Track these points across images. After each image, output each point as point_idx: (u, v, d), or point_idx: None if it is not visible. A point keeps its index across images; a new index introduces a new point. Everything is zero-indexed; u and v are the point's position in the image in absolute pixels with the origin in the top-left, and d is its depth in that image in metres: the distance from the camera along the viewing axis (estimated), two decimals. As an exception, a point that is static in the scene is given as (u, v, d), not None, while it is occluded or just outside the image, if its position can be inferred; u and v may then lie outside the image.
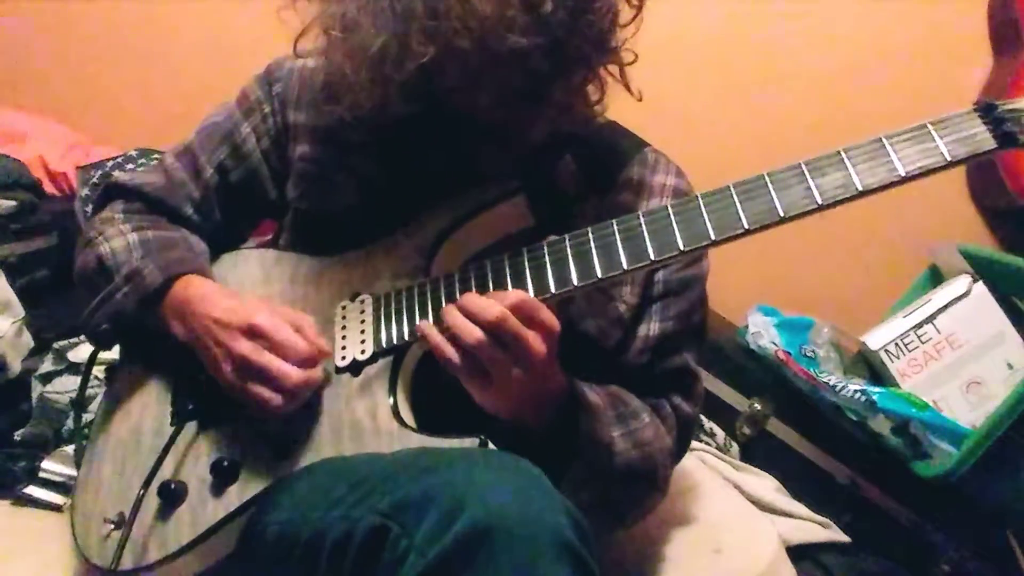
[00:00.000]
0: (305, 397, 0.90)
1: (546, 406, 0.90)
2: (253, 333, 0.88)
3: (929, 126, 0.78)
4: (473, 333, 0.81)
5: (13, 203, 1.62)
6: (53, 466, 1.14)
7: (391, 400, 0.89)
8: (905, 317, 1.67)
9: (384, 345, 0.91)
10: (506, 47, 0.78)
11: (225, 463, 0.91)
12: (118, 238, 1.02)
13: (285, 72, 1.09)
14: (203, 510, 0.90)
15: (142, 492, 0.91)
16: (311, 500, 0.82)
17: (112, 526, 0.93)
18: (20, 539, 1.05)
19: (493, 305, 0.81)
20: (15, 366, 1.43)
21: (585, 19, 0.82)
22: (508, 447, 0.83)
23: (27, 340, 1.48)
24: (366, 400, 0.90)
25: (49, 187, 1.80)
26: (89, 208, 1.62)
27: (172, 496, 0.91)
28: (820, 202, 0.79)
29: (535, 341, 0.82)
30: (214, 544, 0.90)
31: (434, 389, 0.89)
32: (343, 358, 0.93)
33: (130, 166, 1.74)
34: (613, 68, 0.92)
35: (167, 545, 0.90)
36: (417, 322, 0.89)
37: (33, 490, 1.13)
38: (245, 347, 0.88)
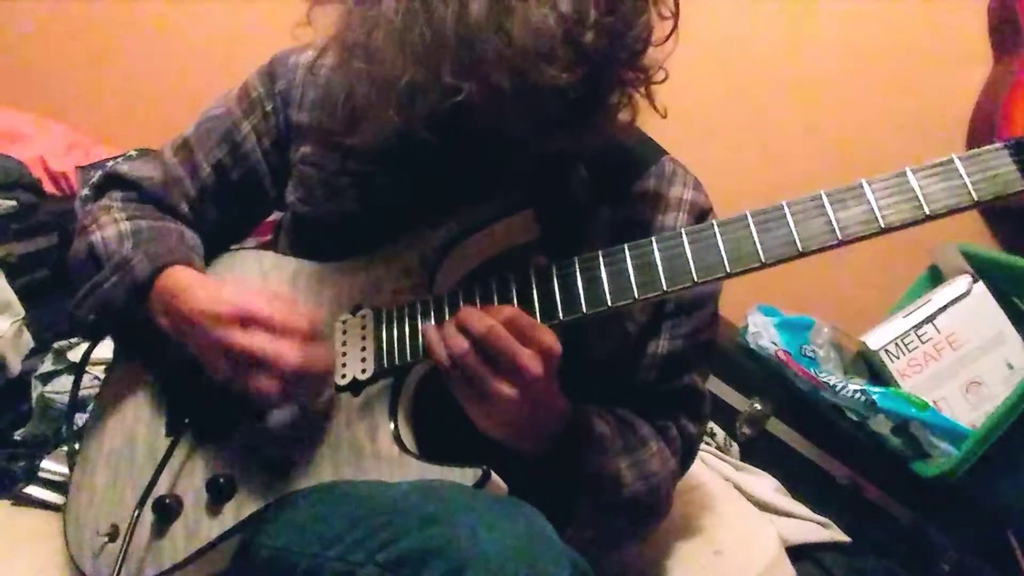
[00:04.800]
0: (310, 386, 0.86)
1: (545, 433, 0.87)
2: (244, 320, 0.84)
3: (956, 161, 0.75)
4: (460, 344, 0.79)
5: (13, 203, 1.62)
6: (53, 466, 1.14)
7: (392, 424, 0.86)
8: (905, 317, 1.67)
9: (385, 365, 0.88)
10: (546, 82, 0.73)
11: (221, 480, 0.89)
12: (111, 226, 0.99)
13: (289, 68, 1.04)
14: (198, 527, 0.89)
15: (137, 512, 0.90)
16: (308, 530, 0.79)
17: (106, 539, 0.92)
18: (20, 539, 1.05)
19: (484, 318, 0.79)
20: (15, 366, 1.43)
21: (621, 43, 0.78)
22: (512, 474, 0.82)
23: (27, 340, 1.48)
24: (366, 422, 0.88)
25: (49, 187, 1.80)
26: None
27: (167, 511, 0.90)
28: (840, 238, 0.76)
29: (530, 360, 0.78)
30: (207, 562, 0.88)
31: (436, 411, 0.86)
32: (343, 376, 0.90)
33: (130, 166, 1.74)
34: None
35: (162, 561, 0.89)
36: (419, 343, 0.86)
37: (33, 490, 1.13)
38: (237, 335, 0.84)
